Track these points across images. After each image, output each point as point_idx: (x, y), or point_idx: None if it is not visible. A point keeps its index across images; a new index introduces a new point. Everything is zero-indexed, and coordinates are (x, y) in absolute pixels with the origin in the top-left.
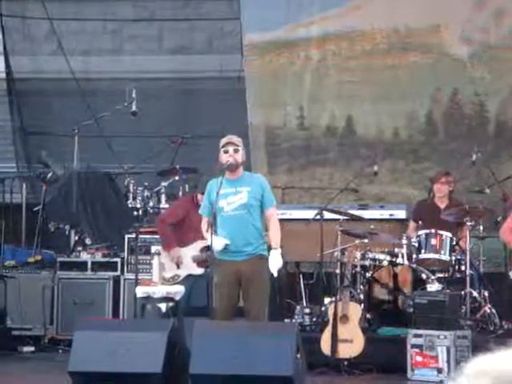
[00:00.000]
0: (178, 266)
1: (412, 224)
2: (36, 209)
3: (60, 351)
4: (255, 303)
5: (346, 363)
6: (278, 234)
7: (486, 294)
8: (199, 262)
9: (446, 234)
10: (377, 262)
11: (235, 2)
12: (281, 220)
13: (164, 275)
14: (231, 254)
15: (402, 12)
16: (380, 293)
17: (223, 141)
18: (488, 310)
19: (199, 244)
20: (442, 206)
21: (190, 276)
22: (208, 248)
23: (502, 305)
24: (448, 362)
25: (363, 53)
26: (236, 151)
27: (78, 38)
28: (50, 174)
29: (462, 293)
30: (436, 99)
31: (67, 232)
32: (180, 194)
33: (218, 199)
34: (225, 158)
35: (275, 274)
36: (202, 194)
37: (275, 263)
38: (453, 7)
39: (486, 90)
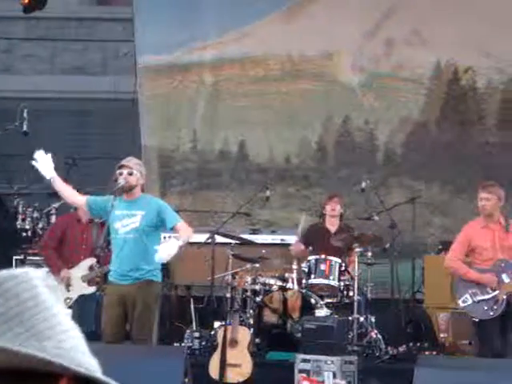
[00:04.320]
0: (68, 289)
1: (298, 243)
2: None
3: None
4: (137, 328)
5: None
6: (186, 234)
7: (373, 319)
8: (89, 281)
9: (335, 260)
10: (267, 287)
11: (130, 24)
12: None
13: None
14: (118, 278)
15: (296, 39)
16: (270, 317)
17: (119, 163)
18: (374, 336)
19: (87, 262)
20: (333, 228)
21: (81, 296)
22: (96, 266)
23: (388, 330)
24: None
25: (256, 79)
26: (130, 174)
27: None
28: None
29: (350, 318)
30: (327, 126)
31: None
32: None
33: (114, 220)
34: (118, 180)
35: (161, 259)
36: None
37: (166, 248)
38: (345, 36)
39: (375, 119)
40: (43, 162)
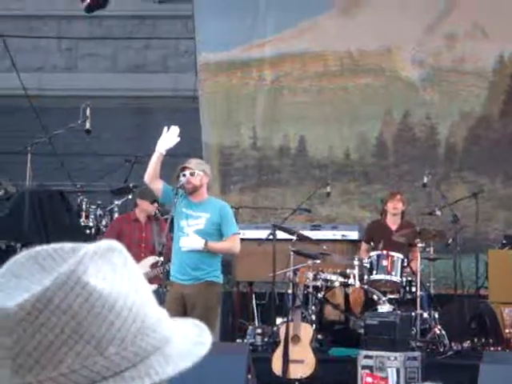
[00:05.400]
0: None
1: (364, 245)
2: None
3: None
4: None
5: (297, 383)
6: (222, 244)
7: (436, 315)
8: (150, 279)
9: (398, 256)
10: (329, 283)
11: (190, 21)
12: None
13: None
14: (179, 277)
15: (355, 34)
16: (331, 313)
17: (181, 165)
18: (438, 332)
19: (149, 260)
20: (394, 227)
21: None
22: (157, 264)
23: (452, 326)
24: (398, 383)
25: (316, 74)
26: (192, 174)
27: (31, 55)
28: (1, 192)
29: (413, 314)
30: (387, 121)
31: (18, 250)
32: None
33: (180, 217)
34: (180, 178)
35: (182, 245)
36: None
37: (192, 240)
38: (405, 30)
39: (437, 113)
40: (170, 136)
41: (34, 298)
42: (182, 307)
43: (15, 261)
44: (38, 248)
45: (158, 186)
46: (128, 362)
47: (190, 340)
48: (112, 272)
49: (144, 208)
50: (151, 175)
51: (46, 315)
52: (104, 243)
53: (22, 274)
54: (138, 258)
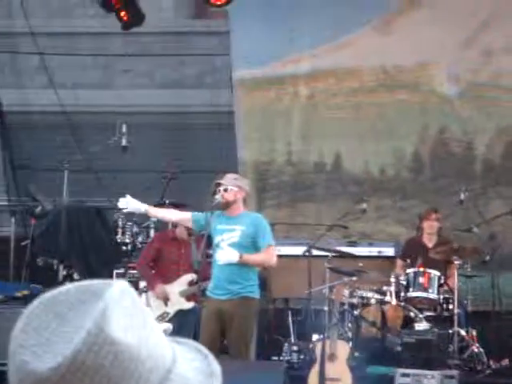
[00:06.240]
0: (166, 304)
1: (400, 262)
2: (24, 243)
3: None
4: (235, 343)
5: None
6: (258, 256)
7: (474, 333)
8: (188, 296)
9: (435, 273)
10: (365, 300)
11: (226, 37)
12: None
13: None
14: (215, 292)
15: (391, 50)
16: (368, 331)
17: (215, 181)
18: (476, 350)
19: (186, 278)
20: (430, 243)
21: (180, 311)
22: (196, 281)
23: (490, 344)
24: None
25: (351, 90)
26: (225, 190)
27: (68, 71)
28: (38, 208)
29: (450, 332)
30: (423, 137)
31: (55, 266)
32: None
33: (215, 234)
34: (215, 196)
35: (218, 259)
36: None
37: (227, 254)
38: (441, 45)
39: (473, 129)
40: (130, 204)
41: (67, 362)
42: (218, 323)
43: (31, 312)
44: (49, 295)
45: (186, 218)
46: None
47: (201, 371)
48: (130, 319)
49: (191, 225)
50: (170, 219)
51: (79, 377)
52: (117, 287)
53: (41, 326)
54: (176, 275)
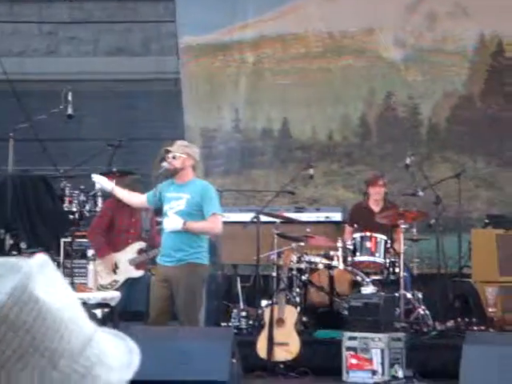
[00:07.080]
0: (115, 272)
1: (348, 228)
2: None
3: None
4: (183, 310)
5: (282, 366)
6: (202, 224)
7: (420, 295)
8: (137, 265)
9: (381, 237)
10: (313, 265)
11: (171, 4)
12: None
13: (101, 283)
14: (163, 260)
15: (336, 15)
16: (316, 296)
17: (164, 148)
18: (422, 312)
19: (135, 246)
20: (377, 208)
21: (128, 280)
22: (145, 250)
23: (436, 306)
24: (382, 364)
25: (298, 56)
26: (174, 157)
27: (12, 39)
28: None
29: (396, 295)
30: (370, 102)
31: (2, 236)
32: None
33: (164, 202)
34: (162, 163)
35: (164, 227)
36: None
37: (170, 221)
38: (386, 11)
39: (419, 93)
40: (101, 180)
41: None
42: (167, 290)
43: None
44: None
45: (144, 202)
46: (78, 374)
47: (122, 349)
48: (53, 286)
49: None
50: (133, 203)
51: (3, 331)
52: (38, 258)
53: None
54: (126, 243)
